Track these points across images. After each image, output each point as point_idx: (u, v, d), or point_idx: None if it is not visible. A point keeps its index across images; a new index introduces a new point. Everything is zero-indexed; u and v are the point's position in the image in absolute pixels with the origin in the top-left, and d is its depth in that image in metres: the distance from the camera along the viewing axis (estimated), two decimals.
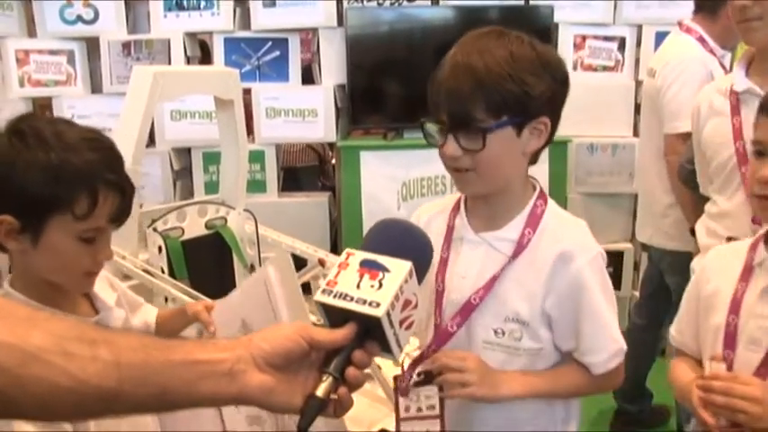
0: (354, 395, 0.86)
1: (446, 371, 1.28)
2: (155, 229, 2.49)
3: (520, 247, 1.29)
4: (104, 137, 1.16)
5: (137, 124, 2.41)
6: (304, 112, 3.53)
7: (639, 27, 3.67)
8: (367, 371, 0.92)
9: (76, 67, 3.61)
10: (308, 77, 3.68)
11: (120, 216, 1.14)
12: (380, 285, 0.87)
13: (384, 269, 0.89)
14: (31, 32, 3.59)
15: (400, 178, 3.39)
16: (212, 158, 3.49)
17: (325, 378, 0.83)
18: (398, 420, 1.34)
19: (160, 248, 2.49)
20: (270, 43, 3.55)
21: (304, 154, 4.44)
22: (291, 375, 0.82)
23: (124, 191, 1.13)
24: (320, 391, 0.82)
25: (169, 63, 3.46)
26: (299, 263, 2.73)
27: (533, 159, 1.33)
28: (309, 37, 3.88)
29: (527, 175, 1.36)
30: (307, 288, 2.23)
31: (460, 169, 1.27)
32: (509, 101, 1.21)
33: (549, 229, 1.31)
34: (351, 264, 0.90)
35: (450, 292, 1.34)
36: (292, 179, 4.26)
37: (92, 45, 3.61)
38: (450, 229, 1.37)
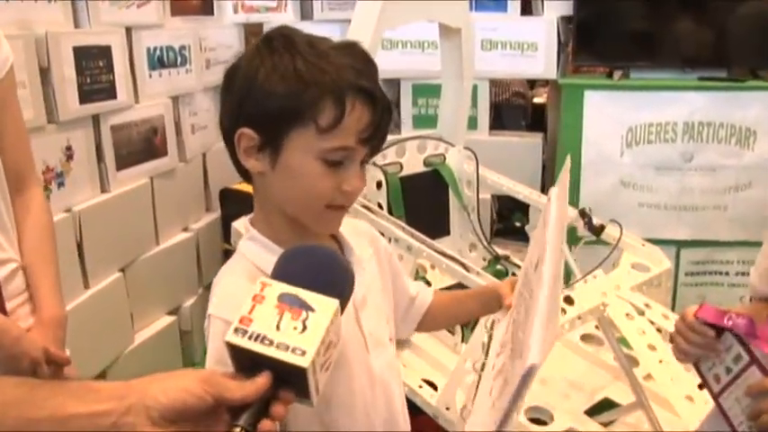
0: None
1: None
2: (374, 163, 2.38)
3: None
4: (358, 45, 1.02)
5: None
6: (523, 45, 3.29)
7: None
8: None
9: None
10: (527, 8, 3.42)
11: (371, 136, 0.98)
12: (304, 327, 0.74)
13: (308, 308, 0.76)
14: None
15: (626, 122, 3.09)
16: (422, 91, 3.34)
17: None
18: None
19: (379, 184, 2.38)
20: None
21: (506, 91, 4.23)
22: (191, 427, 0.73)
23: (376, 103, 0.97)
24: None
25: None
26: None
27: None
28: None
29: None
30: None
31: None
32: None
33: None
34: (267, 296, 0.76)
35: None
36: (495, 117, 4.07)
37: None
38: None
